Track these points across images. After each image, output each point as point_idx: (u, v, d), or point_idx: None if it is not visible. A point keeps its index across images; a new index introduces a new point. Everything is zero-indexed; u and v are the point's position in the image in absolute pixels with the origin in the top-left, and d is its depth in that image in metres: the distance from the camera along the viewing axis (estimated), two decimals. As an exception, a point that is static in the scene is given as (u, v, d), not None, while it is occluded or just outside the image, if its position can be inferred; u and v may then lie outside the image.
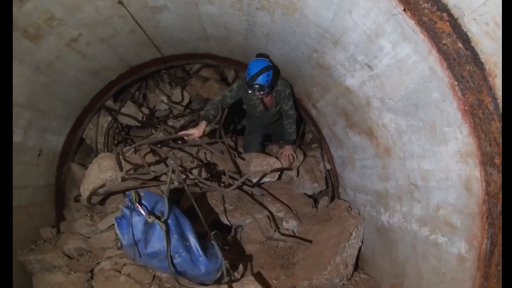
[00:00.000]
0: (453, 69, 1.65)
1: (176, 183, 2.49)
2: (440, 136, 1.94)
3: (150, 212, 2.36)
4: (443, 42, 1.63)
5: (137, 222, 2.36)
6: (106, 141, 4.33)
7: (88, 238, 3.29)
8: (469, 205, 1.82)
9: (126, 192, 2.42)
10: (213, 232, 2.76)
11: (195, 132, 3.44)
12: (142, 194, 2.40)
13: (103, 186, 3.38)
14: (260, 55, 3.46)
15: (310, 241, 3.20)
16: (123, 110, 4.58)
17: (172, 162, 3.13)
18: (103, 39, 3.28)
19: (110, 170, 3.44)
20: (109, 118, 4.42)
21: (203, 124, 3.50)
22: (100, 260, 3.05)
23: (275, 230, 3.48)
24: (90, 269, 2.94)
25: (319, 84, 3.18)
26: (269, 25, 2.83)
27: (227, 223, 3.54)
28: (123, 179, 3.44)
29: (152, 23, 3.34)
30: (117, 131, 4.48)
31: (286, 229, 3.56)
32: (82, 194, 3.43)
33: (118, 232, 2.42)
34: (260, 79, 3.30)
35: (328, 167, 4.00)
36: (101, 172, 3.42)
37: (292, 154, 3.89)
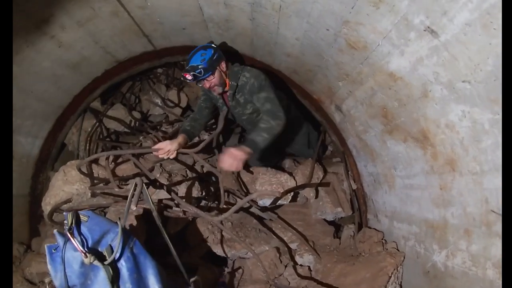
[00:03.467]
0: None
1: (134, 207, 1.70)
2: None
3: (91, 248, 1.59)
4: None
5: (71, 259, 1.59)
6: (87, 147, 3.70)
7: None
8: None
9: (64, 212, 1.66)
10: (193, 278, 1.97)
11: (167, 147, 2.61)
12: (85, 217, 1.63)
13: (68, 201, 2.74)
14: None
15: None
16: (111, 113, 3.97)
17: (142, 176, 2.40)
18: (80, 23, 2.70)
19: (77, 182, 2.84)
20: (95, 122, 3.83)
21: (180, 138, 2.71)
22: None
23: (285, 266, 2.74)
24: (50, 300, 2.39)
25: (347, 76, 2.41)
26: (282, -8, 2.11)
27: (226, 254, 2.80)
28: (93, 194, 2.75)
29: (137, 2, 2.71)
30: (101, 136, 3.82)
31: (300, 265, 2.80)
32: (43, 209, 2.84)
33: (49, 267, 1.66)
34: (193, 60, 2.58)
35: (354, 186, 3.20)
36: (66, 183, 2.82)
37: (237, 161, 2.35)
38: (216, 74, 2.64)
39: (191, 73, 2.54)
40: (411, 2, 1.50)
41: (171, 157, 2.64)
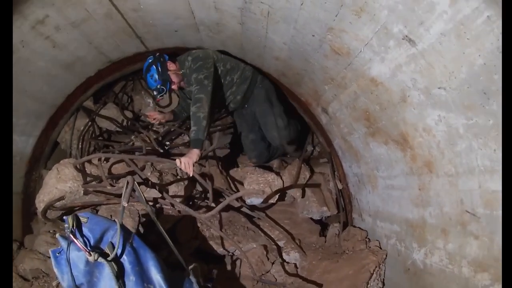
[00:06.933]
0: None
1: (125, 203, 1.77)
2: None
3: (93, 247, 1.66)
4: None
5: (76, 259, 1.66)
6: (80, 146, 3.70)
7: (49, 257, 2.64)
8: None
9: (64, 216, 1.73)
10: (191, 266, 2.05)
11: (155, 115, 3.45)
12: (84, 219, 1.70)
13: (61, 198, 2.77)
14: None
15: (320, 286, 2.47)
16: (104, 113, 3.97)
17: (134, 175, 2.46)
18: (74, 24, 2.72)
19: (70, 180, 2.85)
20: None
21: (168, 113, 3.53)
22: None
23: (272, 263, 2.80)
24: (43, 296, 2.41)
25: (333, 80, 2.50)
26: (270, -2, 2.19)
27: (215, 252, 2.85)
28: (86, 192, 2.80)
29: (131, 5, 2.75)
30: (93, 135, 3.84)
31: (287, 262, 2.86)
32: (37, 206, 2.87)
33: (55, 270, 1.73)
34: (150, 85, 2.99)
35: (340, 186, 3.28)
36: (59, 181, 2.84)
37: (188, 164, 2.49)
38: (172, 77, 2.96)
39: (159, 96, 2.99)
40: (390, 12, 1.59)
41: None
